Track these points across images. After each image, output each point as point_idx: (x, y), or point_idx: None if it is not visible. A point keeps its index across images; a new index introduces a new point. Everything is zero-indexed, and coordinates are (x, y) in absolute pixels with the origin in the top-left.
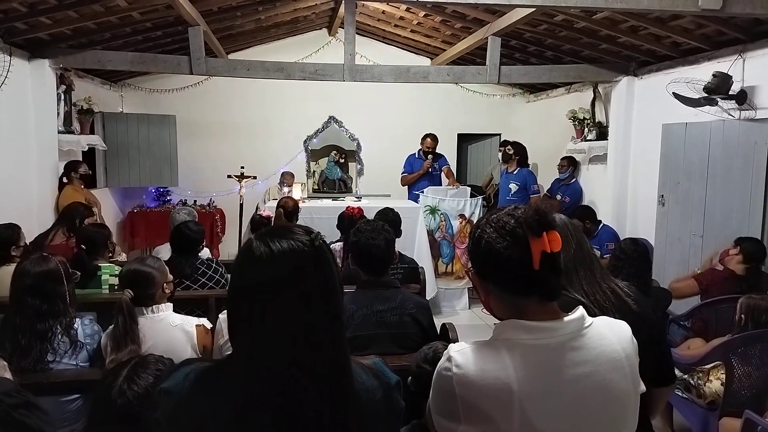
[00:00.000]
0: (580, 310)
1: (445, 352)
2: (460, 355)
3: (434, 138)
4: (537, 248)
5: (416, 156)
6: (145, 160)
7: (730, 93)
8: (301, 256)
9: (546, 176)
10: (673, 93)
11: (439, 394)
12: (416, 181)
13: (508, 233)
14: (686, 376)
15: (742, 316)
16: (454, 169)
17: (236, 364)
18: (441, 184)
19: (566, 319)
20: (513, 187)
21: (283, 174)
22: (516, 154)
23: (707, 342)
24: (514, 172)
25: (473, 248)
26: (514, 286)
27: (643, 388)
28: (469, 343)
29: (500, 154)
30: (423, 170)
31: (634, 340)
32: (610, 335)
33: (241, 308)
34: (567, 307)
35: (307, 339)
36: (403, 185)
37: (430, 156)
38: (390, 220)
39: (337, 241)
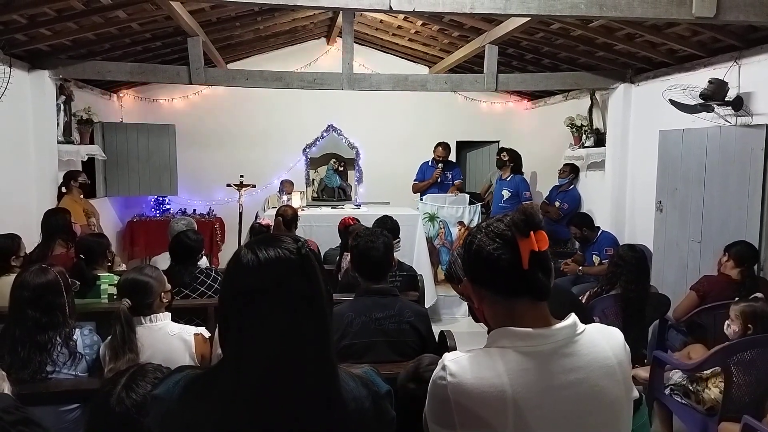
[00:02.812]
0: (573, 317)
1: (440, 361)
2: (454, 363)
3: (446, 146)
4: (525, 248)
5: (429, 164)
6: (144, 169)
7: (726, 99)
8: (287, 264)
9: (544, 183)
10: (669, 100)
11: (435, 402)
12: (427, 189)
13: (498, 236)
14: (685, 381)
15: (750, 325)
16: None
17: (224, 371)
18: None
19: (559, 326)
20: (505, 193)
21: (282, 182)
22: (510, 161)
23: (707, 348)
24: (507, 179)
25: (466, 255)
26: (505, 288)
27: (636, 394)
28: (464, 351)
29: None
30: (432, 179)
31: (627, 347)
32: (602, 342)
33: (230, 315)
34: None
35: (293, 346)
36: (414, 193)
37: (440, 165)
38: (388, 228)
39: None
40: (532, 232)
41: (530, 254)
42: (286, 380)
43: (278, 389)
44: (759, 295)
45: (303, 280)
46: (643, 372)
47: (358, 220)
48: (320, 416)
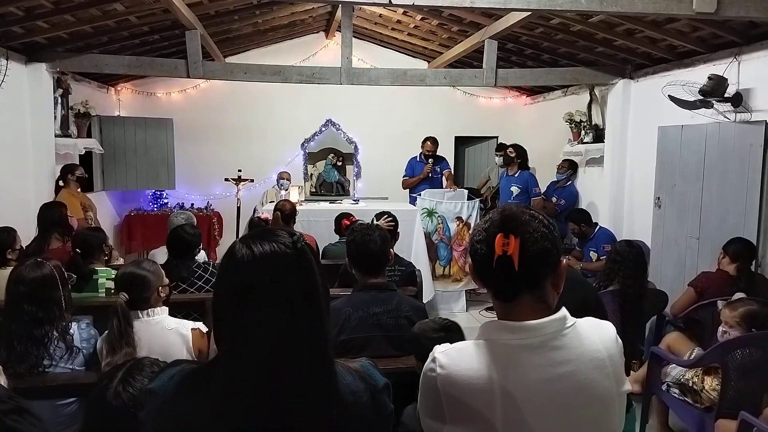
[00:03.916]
0: (563, 311)
1: (431, 353)
2: (444, 355)
3: (434, 141)
4: (497, 248)
5: (417, 159)
6: (142, 163)
7: (725, 95)
8: (282, 259)
9: (543, 179)
10: (668, 95)
11: (426, 394)
12: (417, 184)
13: (486, 229)
14: (682, 378)
15: (753, 329)
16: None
17: (219, 366)
18: (442, 187)
19: (547, 319)
20: (515, 189)
21: (279, 173)
22: (518, 157)
23: (688, 338)
24: (515, 175)
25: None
26: (480, 277)
27: (628, 387)
28: (454, 344)
29: (499, 158)
30: (423, 175)
31: (619, 340)
32: (593, 335)
33: (225, 310)
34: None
35: (289, 341)
36: (404, 189)
37: (430, 160)
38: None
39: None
40: (501, 235)
41: (497, 257)
42: (282, 375)
43: (274, 385)
44: (742, 295)
45: (299, 275)
46: (636, 386)
47: (353, 216)
48: (317, 411)
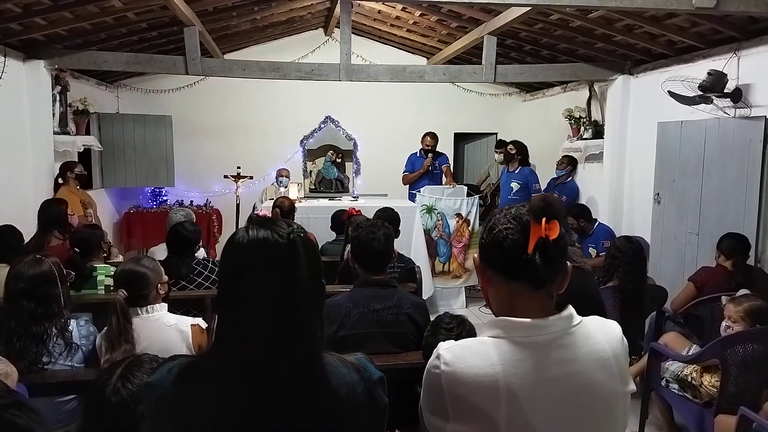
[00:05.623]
0: (569, 309)
1: (435, 349)
2: (448, 352)
3: (434, 136)
4: (535, 233)
5: (417, 155)
6: (141, 160)
7: (725, 91)
8: (274, 246)
9: (542, 175)
10: (668, 91)
11: (429, 391)
12: (417, 180)
13: (514, 218)
14: (681, 374)
15: (757, 324)
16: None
17: (214, 356)
18: (442, 183)
19: (555, 317)
20: (515, 186)
21: (278, 170)
22: (518, 153)
23: (685, 337)
24: (516, 171)
25: (483, 233)
26: (507, 268)
27: (633, 387)
28: (459, 341)
29: (499, 155)
30: (423, 169)
31: (624, 340)
32: (598, 334)
33: (222, 294)
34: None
35: (274, 329)
36: (405, 184)
37: (430, 155)
38: (389, 216)
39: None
40: (544, 219)
41: (538, 241)
42: (268, 363)
43: (261, 373)
44: (746, 291)
45: (285, 264)
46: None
47: (360, 212)
48: (308, 401)
